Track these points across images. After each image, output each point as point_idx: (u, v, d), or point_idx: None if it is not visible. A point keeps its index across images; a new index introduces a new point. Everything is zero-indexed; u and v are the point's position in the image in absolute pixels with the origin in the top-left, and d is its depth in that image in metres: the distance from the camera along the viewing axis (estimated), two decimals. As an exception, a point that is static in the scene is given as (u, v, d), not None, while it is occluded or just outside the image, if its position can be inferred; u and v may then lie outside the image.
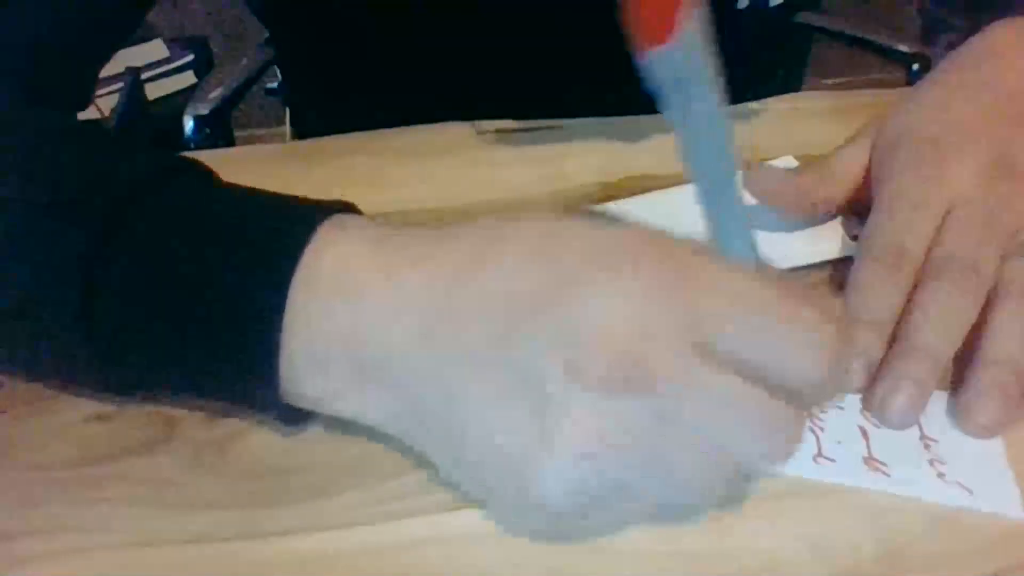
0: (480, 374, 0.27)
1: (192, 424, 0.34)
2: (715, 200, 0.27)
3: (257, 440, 0.33)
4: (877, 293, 0.36)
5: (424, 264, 0.29)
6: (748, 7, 0.56)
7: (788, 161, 0.49)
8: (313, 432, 0.33)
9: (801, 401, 0.27)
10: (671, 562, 0.29)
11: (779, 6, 0.56)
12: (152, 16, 1.71)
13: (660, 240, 0.28)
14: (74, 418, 0.34)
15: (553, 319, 0.26)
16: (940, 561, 0.29)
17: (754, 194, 0.43)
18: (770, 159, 0.49)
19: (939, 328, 0.34)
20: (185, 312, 0.30)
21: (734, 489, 0.28)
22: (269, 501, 0.31)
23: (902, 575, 0.29)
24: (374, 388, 0.29)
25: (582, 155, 0.50)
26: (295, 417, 0.32)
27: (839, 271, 0.42)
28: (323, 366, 0.29)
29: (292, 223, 0.30)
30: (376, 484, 0.31)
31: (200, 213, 0.31)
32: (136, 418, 0.34)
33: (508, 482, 0.27)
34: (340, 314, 0.29)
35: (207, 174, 0.34)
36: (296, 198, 0.32)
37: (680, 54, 0.23)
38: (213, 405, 0.34)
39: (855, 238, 0.43)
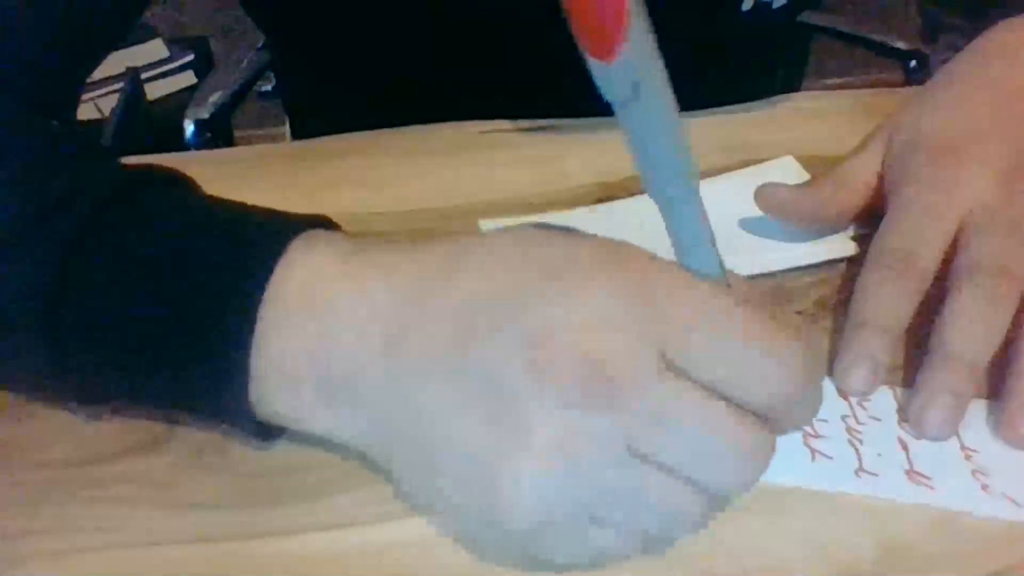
0: (443, 383, 0.27)
1: (192, 424, 0.34)
2: (674, 212, 0.26)
3: (257, 440, 0.33)
4: (884, 298, 0.36)
5: (390, 274, 0.29)
6: (752, 8, 0.56)
7: (788, 161, 0.49)
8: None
9: (771, 424, 0.26)
10: (671, 562, 0.29)
11: (782, 7, 0.56)
12: (152, 16, 1.71)
13: (625, 253, 0.27)
14: (74, 418, 0.34)
15: (516, 327, 0.26)
16: (940, 561, 0.29)
17: (766, 209, 0.42)
18: (770, 159, 0.49)
19: (973, 335, 0.33)
20: (154, 331, 0.30)
21: (704, 515, 0.27)
22: (269, 501, 0.31)
23: (902, 575, 0.29)
24: (342, 406, 0.29)
25: (582, 155, 0.50)
26: (267, 432, 0.32)
27: (839, 271, 0.42)
28: (293, 384, 0.29)
29: (262, 241, 0.30)
30: (376, 484, 0.31)
31: (170, 229, 0.31)
32: (136, 418, 0.34)
33: (474, 498, 0.27)
34: (308, 331, 0.29)
35: (179, 185, 0.33)
36: (268, 212, 0.31)
37: (627, 67, 0.22)
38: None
39: (856, 239, 0.43)
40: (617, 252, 0.27)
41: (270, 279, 0.29)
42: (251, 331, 0.29)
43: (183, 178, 0.33)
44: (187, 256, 0.30)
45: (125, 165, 0.33)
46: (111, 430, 0.34)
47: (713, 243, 0.27)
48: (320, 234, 0.31)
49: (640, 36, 0.22)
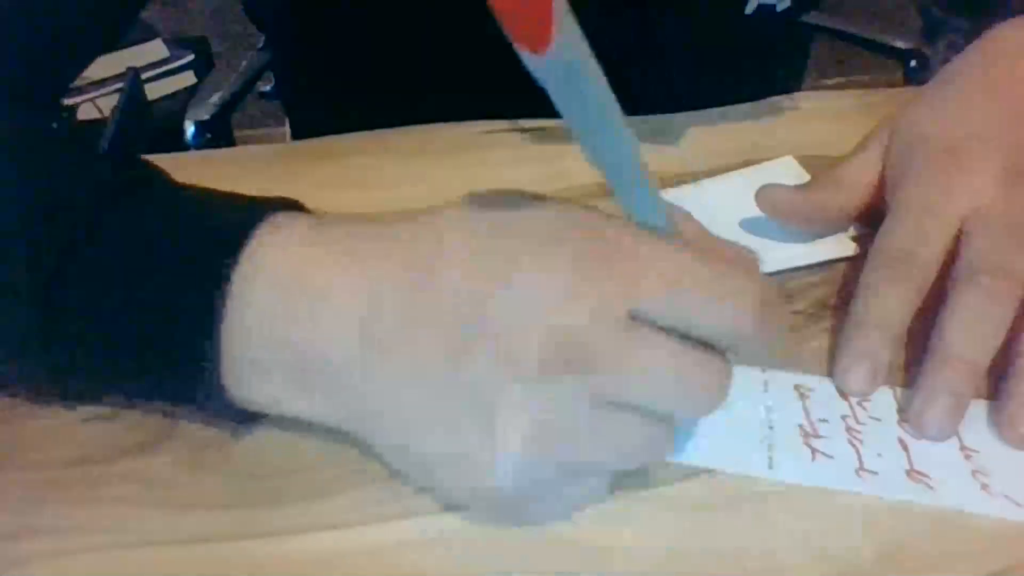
0: (418, 378, 0.28)
1: (192, 424, 0.34)
2: (625, 192, 0.28)
3: (257, 440, 0.33)
4: (883, 298, 0.36)
5: (359, 266, 0.29)
6: (755, 11, 0.56)
7: (788, 161, 0.49)
8: (313, 432, 0.33)
9: (730, 352, 0.29)
10: (671, 562, 0.29)
11: (786, 9, 0.56)
12: (152, 16, 1.71)
13: (583, 219, 0.28)
14: (74, 418, 0.34)
15: (486, 319, 0.27)
16: (940, 561, 0.29)
17: (766, 211, 0.42)
18: (770, 159, 0.49)
19: (974, 336, 0.34)
20: (131, 325, 0.30)
21: (670, 440, 0.30)
22: (269, 501, 0.31)
23: (902, 575, 0.29)
24: (319, 393, 0.30)
25: (583, 155, 0.50)
26: (246, 417, 0.32)
27: (839, 271, 0.42)
28: (266, 371, 0.30)
29: (227, 228, 0.30)
30: (376, 484, 0.31)
31: (148, 227, 0.31)
32: (136, 418, 0.34)
33: (459, 478, 0.28)
34: (277, 320, 0.29)
35: (155, 180, 0.33)
36: (237, 197, 0.32)
37: (558, 59, 0.23)
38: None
39: (856, 239, 0.43)
40: (569, 220, 0.28)
41: (235, 268, 0.29)
42: (218, 320, 0.29)
43: (156, 169, 0.33)
44: (157, 252, 0.30)
45: (108, 164, 0.33)
46: (111, 430, 0.34)
47: (656, 193, 0.29)
48: (285, 218, 0.31)
49: (568, 32, 0.22)
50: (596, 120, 0.26)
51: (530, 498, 0.28)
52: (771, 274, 0.41)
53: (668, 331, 0.27)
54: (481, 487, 0.28)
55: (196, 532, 0.30)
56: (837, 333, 0.37)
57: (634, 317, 0.27)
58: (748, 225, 0.44)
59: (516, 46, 0.22)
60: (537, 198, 0.29)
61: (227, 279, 0.29)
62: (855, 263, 0.42)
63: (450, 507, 0.31)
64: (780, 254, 0.42)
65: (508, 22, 0.22)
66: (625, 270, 0.27)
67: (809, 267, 0.42)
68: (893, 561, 0.29)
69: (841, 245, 0.43)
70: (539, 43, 0.22)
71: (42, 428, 0.34)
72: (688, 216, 0.31)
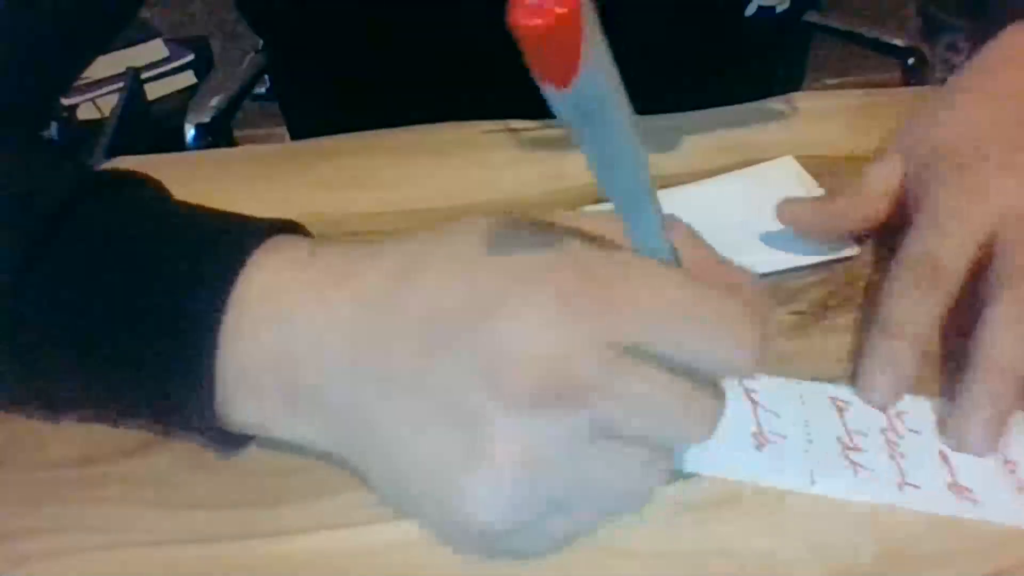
0: (405, 397, 0.27)
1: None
2: (632, 218, 0.27)
3: (258, 440, 0.33)
4: (910, 306, 0.35)
5: (349, 283, 0.29)
6: (755, 13, 0.56)
7: (788, 161, 0.49)
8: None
9: (723, 382, 0.28)
10: (671, 562, 0.29)
11: (785, 11, 0.56)
12: (152, 16, 1.71)
13: (577, 250, 0.27)
14: (74, 418, 0.34)
15: (476, 341, 0.26)
16: (940, 561, 0.29)
17: (788, 225, 0.42)
18: (770, 159, 0.49)
19: (1016, 345, 0.33)
20: (116, 338, 0.29)
21: (666, 474, 0.29)
22: (269, 501, 0.31)
23: (902, 575, 0.29)
24: (307, 412, 0.29)
25: (582, 155, 0.50)
26: (233, 441, 0.32)
27: (839, 271, 0.42)
28: (257, 391, 0.29)
29: (226, 248, 0.30)
30: (376, 484, 0.31)
31: (133, 233, 0.31)
32: (136, 418, 0.34)
33: (437, 504, 0.27)
34: (271, 339, 0.29)
35: (144, 187, 0.33)
36: (232, 217, 0.31)
37: (583, 93, 0.21)
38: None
39: (858, 239, 0.43)
40: (567, 249, 0.27)
41: (232, 288, 0.29)
42: (215, 339, 0.28)
43: (149, 180, 0.33)
44: (150, 262, 0.30)
45: (91, 167, 0.33)
46: (111, 430, 0.34)
47: (663, 226, 0.28)
48: (281, 240, 0.30)
49: (596, 63, 0.21)
50: (614, 153, 0.24)
51: (510, 532, 0.27)
52: (771, 274, 0.42)
53: (660, 362, 0.27)
54: (461, 517, 0.26)
55: (196, 532, 0.30)
56: (836, 333, 0.37)
57: (625, 348, 0.26)
58: (748, 225, 0.44)
59: (539, 81, 0.20)
60: (537, 225, 0.29)
61: (224, 302, 0.29)
62: (855, 263, 0.42)
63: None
64: (780, 254, 0.42)
65: (533, 53, 0.19)
66: (615, 302, 0.26)
67: (809, 267, 0.42)
68: (893, 561, 0.29)
69: (842, 245, 0.43)
70: (564, 78, 0.20)
71: (42, 428, 0.34)
72: (692, 234, 0.30)
